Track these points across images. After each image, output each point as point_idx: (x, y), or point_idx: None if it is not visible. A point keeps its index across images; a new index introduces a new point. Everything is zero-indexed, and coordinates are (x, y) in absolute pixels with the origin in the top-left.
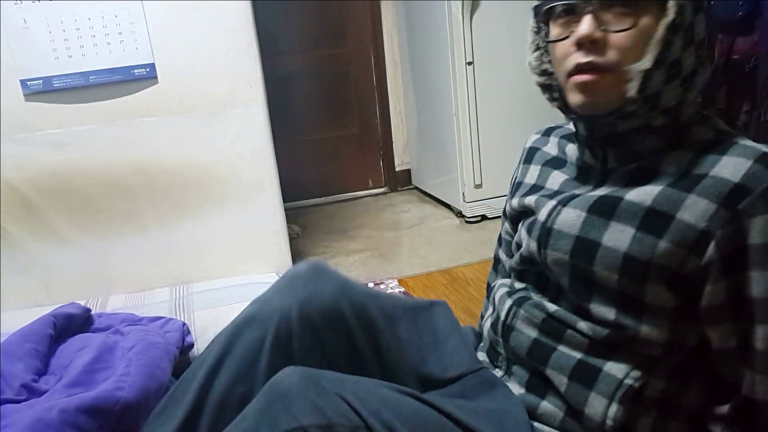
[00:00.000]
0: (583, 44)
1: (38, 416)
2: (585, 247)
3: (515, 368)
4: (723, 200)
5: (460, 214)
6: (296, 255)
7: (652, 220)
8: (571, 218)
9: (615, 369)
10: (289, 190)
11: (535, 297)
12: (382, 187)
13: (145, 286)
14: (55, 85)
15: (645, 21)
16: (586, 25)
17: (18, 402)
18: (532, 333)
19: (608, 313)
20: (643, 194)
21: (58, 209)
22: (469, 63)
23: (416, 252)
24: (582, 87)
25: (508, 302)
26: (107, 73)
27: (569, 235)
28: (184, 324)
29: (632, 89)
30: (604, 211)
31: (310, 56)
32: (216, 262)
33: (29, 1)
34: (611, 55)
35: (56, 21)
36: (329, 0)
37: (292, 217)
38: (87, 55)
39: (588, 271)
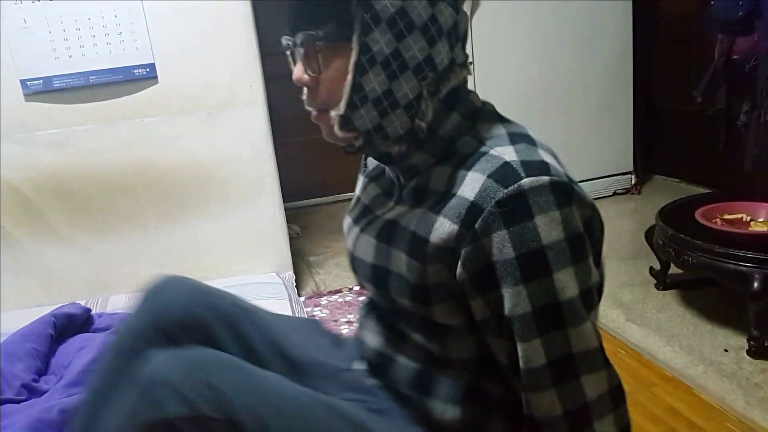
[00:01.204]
0: (301, 86)
1: (38, 416)
2: (380, 274)
3: None
4: (462, 220)
5: None
6: (296, 255)
7: (416, 245)
8: (366, 246)
9: (450, 374)
10: (289, 190)
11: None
12: None
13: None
14: (55, 85)
15: (337, 63)
16: (296, 68)
17: (18, 402)
18: (376, 344)
19: (417, 336)
20: (411, 217)
21: (58, 209)
22: (470, 63)
23: None
24: (317, 124)
25: (361, 312)
26: (107, 73)
27: (367, 263)
28: None
29: (337, 131)
30: (388, 237)
31: None
32: (216, 262)
33: (29, 1)
34: (321, 98)
35: (56, 21)
36: None
37: (292, 217)
38: (87, 55)
39: (389, 297)
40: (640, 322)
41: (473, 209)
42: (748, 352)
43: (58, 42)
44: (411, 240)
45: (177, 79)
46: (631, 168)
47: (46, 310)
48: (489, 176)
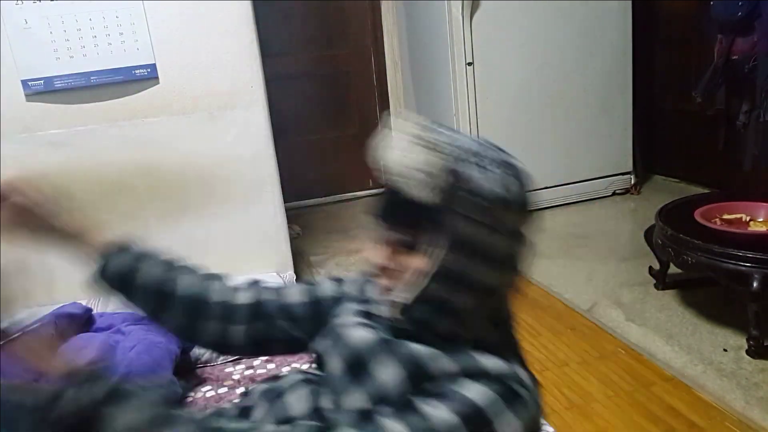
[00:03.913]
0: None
1: None
2: None
3: None
4: None
5: None
6: (297, 255)
7: None
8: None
9: None
10: (290, 190)
11: None
12: (382, 187)
13: None
14: (56, 85)
15: (414, 262)
16: (378, 253)
17: None
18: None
19: None
20: None
21: (59, 209)
22: (469, 63)
23: None
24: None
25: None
26: (108, 73)
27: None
28: None
29: (392, 311)
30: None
31: (311, 57)
32: (217, 262)
33: (30, 1)
34: (391, 282)
35: (57, 21)
36: (329, 0)
37: (292, 217)
38: (88, 55)
39: None
40: (639, 321)
41: None
42: (748, 352)
43: (59, 42)
44: None
45: (178, 79)
46: (630, 168)
47: (48, 309)
48: None
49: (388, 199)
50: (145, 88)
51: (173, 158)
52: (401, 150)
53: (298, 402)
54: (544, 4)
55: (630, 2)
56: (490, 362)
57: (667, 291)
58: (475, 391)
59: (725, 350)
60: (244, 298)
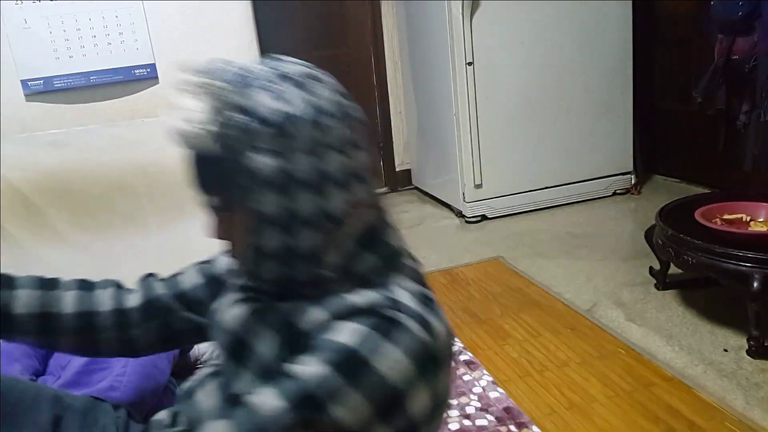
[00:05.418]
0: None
1: None
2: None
3: None
4: None
5: (460, 214)
6: None
7: None
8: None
9: None
10: None
11: None
12: (382, 187)
13: None
14: (55, 85)
15: (237, 226)
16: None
17: None
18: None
19: None
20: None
21: (59, 209)
22: (469, 63)
23: (416, 252)
24: None
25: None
26: (108, 73)
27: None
28: None
29: (247, 281)
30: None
31: (310, 57)
32: None
33: (30, 1)
34: (233, 251)
35: (57, 21)
36: (329, 0)
37: None
38: (88, 55)
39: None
40: (640, 321)
41: None
42: (748, 352)
43: (58, 42)
44: None
45: (178, 79)
46: (630, 168)
47: None
48: None
49: (190, 166)
50: (145, 88)
51: (173, 158)
52: (188, 109)
53: (206, 398)
54: (544, 4)
55: (630, 2)
56: (359, 297)
57: (667, 291)
58: (345, 333)
59: (725, 350)
60: (134, 299)
